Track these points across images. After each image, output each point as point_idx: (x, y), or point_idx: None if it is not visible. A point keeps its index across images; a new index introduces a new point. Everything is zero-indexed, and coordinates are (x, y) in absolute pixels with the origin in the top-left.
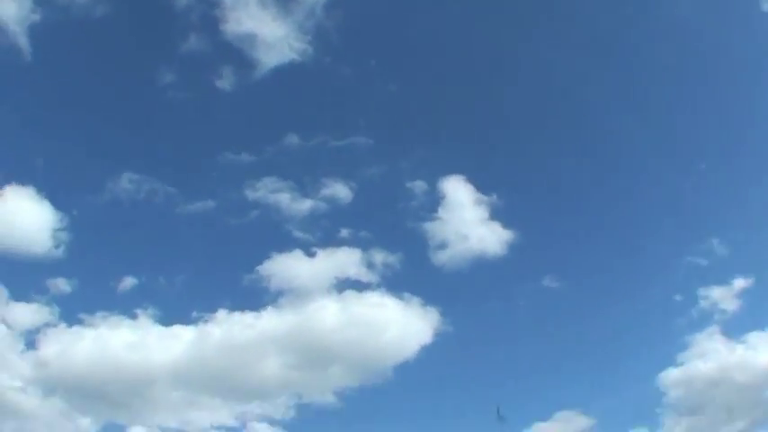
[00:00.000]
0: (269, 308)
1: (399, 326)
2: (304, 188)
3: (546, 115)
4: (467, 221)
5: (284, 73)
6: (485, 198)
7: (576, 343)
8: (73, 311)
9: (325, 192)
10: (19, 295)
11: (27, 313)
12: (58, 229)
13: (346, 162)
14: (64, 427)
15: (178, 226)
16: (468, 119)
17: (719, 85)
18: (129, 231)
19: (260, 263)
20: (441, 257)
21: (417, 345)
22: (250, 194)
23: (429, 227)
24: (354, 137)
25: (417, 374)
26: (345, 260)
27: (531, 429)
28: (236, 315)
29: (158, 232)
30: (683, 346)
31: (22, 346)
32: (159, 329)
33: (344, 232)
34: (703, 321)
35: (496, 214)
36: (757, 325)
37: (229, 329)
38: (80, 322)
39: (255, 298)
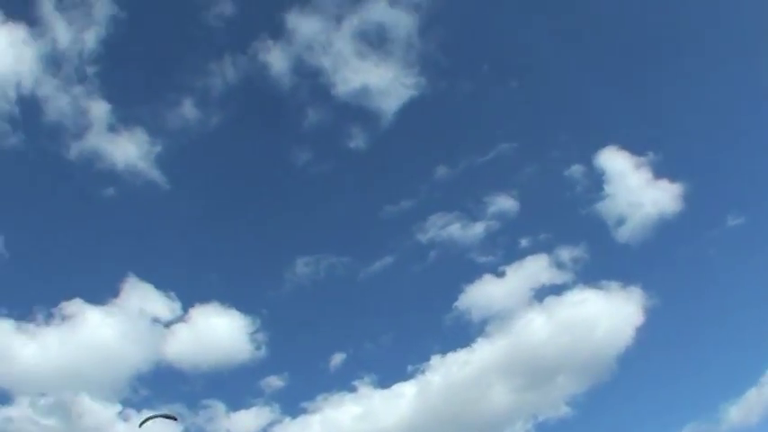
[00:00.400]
0: (478, 339)
1: (608, 316)
2: (470, 213)
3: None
4: (635, 188)
5: (409, 111)
6: (642, 159)
7: None
8: (293, 403)
9: (492, 209)
10: (236, 405)
11: (249, 418)
12: (254, 332)
13: (500, 173)
14: None
15: (366, 290)
16: (598, 90)
17: None
18: (321, 311)
19: (455, 299)
20: (623, 233)
21: (632, 329)
22: (422, 237)
23: (601, 207)
24: (498, 146)
25: (642, 358)
26: (535, 268)
27: None
28: (450, 356)
29: (350, 303)
30: None
31: None
32: (381, 393)
33: (524, 242)
34: None
35: (660, 171)
36: None
37: (447, 372)
38: (303, 411)
39: (462, 334)
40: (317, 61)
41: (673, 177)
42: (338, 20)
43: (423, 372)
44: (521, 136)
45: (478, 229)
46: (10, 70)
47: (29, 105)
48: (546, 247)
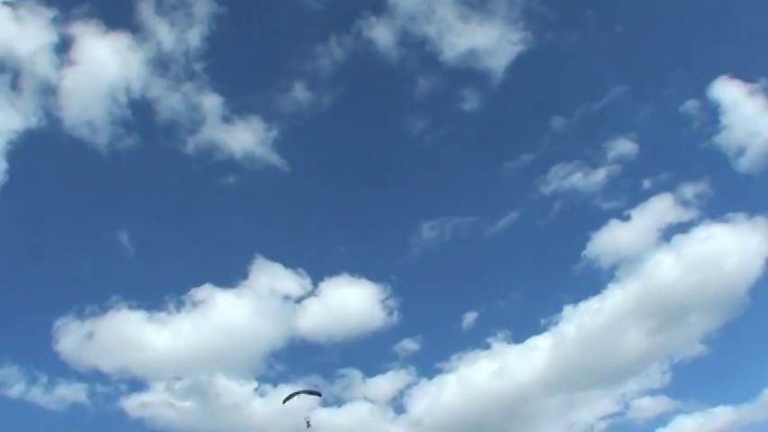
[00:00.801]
0: (609, 285)
1: (736, 249)
2: (591, 160)
3: None
4: (751, 117)
5: (518, 67)
6: (756, 86)
7: None
8: (429, 364)
9: (612, 154)
10: (372, 371)
11: (385, 383)
12: (385, 299)
13: (616, 117)
14: None
15: (493, 248)
16: (705, 22)
17: None
18: (450, 273)
19: (583, 247)
20: (744, 164)
21: (761, 259)
22: (545, 190)
23: (720, 139)
24: (610, 90)
25: None
26: (660, 208)
27: None
28: (582, 305)
29: (478, 262)
30: None
31: (391, 414)
32: (515, 348)
33: (647, 183)
34: None
35: None
36: None
37: (580, 321)
38: (439, 372)
39: (593, 282)
40: (421, 30)
41: None
42: None
43: (556, 323)
44: (632, 78)
45: (600, 175)
46: (118, 77)
47: (140, 107)
48: (669, 186)
